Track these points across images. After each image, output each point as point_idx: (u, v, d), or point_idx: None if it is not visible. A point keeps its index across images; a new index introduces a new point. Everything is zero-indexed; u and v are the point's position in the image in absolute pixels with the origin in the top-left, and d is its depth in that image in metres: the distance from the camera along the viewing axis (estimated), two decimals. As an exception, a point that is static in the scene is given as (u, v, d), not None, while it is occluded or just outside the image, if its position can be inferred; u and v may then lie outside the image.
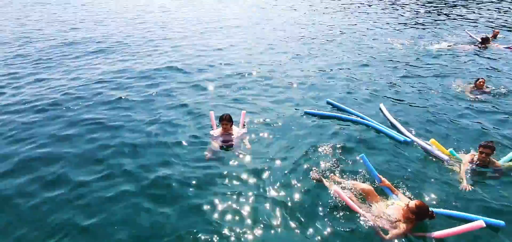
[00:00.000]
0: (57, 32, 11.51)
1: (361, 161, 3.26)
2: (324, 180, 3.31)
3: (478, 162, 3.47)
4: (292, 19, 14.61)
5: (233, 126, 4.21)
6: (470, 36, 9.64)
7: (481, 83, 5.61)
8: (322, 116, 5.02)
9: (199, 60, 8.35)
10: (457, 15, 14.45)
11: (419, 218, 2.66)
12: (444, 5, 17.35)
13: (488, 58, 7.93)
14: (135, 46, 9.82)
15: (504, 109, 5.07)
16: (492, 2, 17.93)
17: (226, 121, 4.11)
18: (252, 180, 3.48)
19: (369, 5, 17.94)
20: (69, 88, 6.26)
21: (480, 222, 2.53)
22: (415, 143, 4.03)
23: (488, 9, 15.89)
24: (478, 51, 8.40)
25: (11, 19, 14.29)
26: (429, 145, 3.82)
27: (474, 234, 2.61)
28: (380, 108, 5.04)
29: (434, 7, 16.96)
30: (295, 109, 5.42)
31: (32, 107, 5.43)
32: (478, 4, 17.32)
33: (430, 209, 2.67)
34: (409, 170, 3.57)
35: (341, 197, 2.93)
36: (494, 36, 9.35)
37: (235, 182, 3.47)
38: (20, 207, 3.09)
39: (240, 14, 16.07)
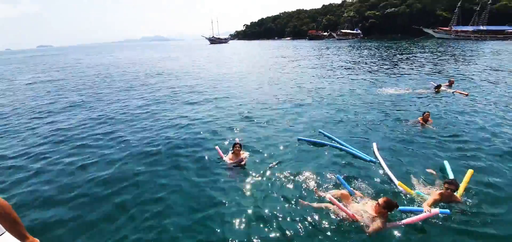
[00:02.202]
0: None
1: (337, 179, 4.31)
2: (318, 191, 4.22)
3: (442, 198, 3.80)
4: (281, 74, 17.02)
5: (241, 151, 5.42)
6: (432, 83, 11.64)
7: (426, 116, 6.98)
8: (312, 143, 6.22)
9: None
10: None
11: (389, 209, 3.41)
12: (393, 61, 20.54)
13: (439, 99, 9.79)
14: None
15: (443, 136, 6.37)
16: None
17: (239, 145, 5.38)
18: (259, 190, 4.48)
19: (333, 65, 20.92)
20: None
21: (436, 210, 3.41)
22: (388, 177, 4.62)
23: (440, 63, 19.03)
24: (432, 95, 10.35)
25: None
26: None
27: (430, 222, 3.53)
28: (373, 147, 5.74)
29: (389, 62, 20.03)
30: (289, 137, 6.66)
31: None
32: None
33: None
34: (371, 178, 4.63)
35: (334, 202, 3.57)
36: (450, 84, 11.32)
37: (245, 192, 4.48)
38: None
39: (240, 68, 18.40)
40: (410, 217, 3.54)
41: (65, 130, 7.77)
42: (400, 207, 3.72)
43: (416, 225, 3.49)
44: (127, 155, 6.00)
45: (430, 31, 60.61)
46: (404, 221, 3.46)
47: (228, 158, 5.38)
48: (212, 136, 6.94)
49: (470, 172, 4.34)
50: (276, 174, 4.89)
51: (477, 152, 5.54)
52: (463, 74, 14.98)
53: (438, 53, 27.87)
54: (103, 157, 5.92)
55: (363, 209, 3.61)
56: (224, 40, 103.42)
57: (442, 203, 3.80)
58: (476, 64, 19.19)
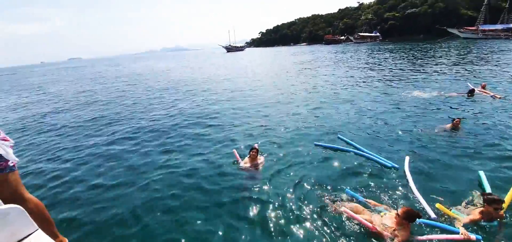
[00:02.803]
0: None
1: (346, 193, 4.06)
2: (332, 204, 3.97)
3: (483, 217, 3.35)
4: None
5: (257, 155, 5.46)
6: (469, 85, 10.81)
7: (457, 122, 6.56)
8: (330, 148, 6.09)
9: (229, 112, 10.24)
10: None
11: (410, 220, 3.12)
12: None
13: (472, 103, 9.13)
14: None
15: (477, 145, 5.85)
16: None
17: (255, 150, 5.41)
18: (273, 196, 4.44)
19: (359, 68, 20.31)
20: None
21: (473, 236, 2.98)
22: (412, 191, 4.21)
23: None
24: (465, 99, 9.65)
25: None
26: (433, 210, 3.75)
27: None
28: (404, 160, 5.16)
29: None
30: (307, 142, 6.58)
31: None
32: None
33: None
34: (393, 187, 4.40)
35: (353, 216, 3.40)
36: (483, 87, 10.63)
37: (259, 198, 4.45)
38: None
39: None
40: (440, 234, 3.25)
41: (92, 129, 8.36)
42: (430, 221, 3.47)
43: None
44: (146, 154, 6.40)
45: (455, 31, 57.39)
46: (433, 237, 3.15)
47: (244, 162, 5.42)
48: (230, 140, 7.03)
49: None
50: (291, 181, 4.82)
51: None
52: (495, 76, 13.97)
53: (466, 54, 26.30)
54: (122, 160, 6.26)
55: (381, 220, 3.34)
56: (241, 48, 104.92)
57: (483, 222, 3.38)
58: (509, 64, 17.86)
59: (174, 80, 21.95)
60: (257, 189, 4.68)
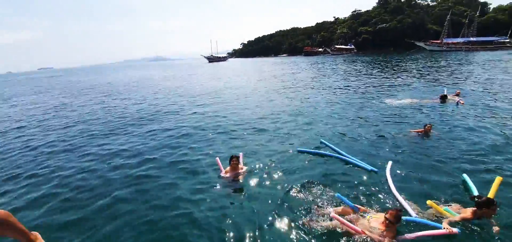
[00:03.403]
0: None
1: (338, 198, 3.98)
2: (319, 209, 3.94)
3: (475, 216, 3.43)
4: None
5: (239, 165, 5.32)
6: (447, 94, 11.37)
7: (428, 128, 6.88)
8: (313, 154, 6.11)
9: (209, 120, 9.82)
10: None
11: (397, 222, 3.24)
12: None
13: (442, 110, 9.74)
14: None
15: (441, 148, 6.17)
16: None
17: (236, 159, 5.26)
18: (257, 205, 4.29)
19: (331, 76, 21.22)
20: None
21: (455, 230, 3.16)
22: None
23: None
24: (438, 105, 10.31)
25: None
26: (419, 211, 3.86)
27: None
28: (386, 165, 5.20)
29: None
30: (290, 149, 6.54)
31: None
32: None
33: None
34: (376, 190, 4.47)
35: (340, 220, 3.36)
36: (457, 95, 11.38)
37: (242, 208, 4.29)
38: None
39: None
40: (424, 230, 3.32)
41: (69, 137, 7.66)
42: (415, 218, 3.55)
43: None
44: (124, 163, 6.03)
45: (422, 44, 62.21)
46: (417, 234, 3.24)
47: (225, 172, 5.26)
48: (212, 149, 6.83)
49: (498, 179, 4.01)
50: (275, 187, 4.74)
51: (492, 163, 5.34)
52: (457, 83, 15.21)
53: (432, 65, 28.47)
54: (99, 166, 5.83)
55: (370, 225, 3.41)
56: (223, 59, 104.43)
57: (474, 221, 3.46)
58: (471, 73, 19.57)
59: (153, 89, 21.25)
60: (239, 197, 4.54)
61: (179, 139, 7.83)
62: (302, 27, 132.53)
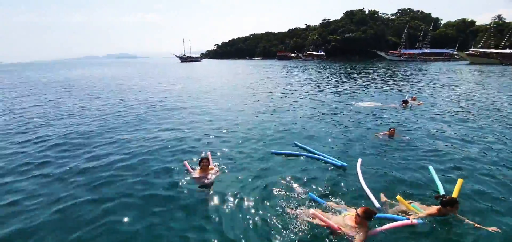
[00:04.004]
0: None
1: (310, 197, 4.08)
2: (291, 210, 3.88)
3: (440, 213, 3.65)
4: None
5: (209, 166, 5.08)
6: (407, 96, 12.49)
7: (392, 131, 7.31)
8: (286, 155, 6.09)
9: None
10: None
11: (368, 219, 3.34)
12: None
13: (404, 113, 10.58)
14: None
15: (405, 150, 6.58)
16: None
17: (206, 160, 5.03)
18: (228, 207, 4.12)
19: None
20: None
21: (415, 221, 3.42)
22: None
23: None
24: (399, 109, 11.08)
25: None
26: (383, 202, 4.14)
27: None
28: (357, 163, 5.41)
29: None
30: (263, 150, 6.47)
31: None
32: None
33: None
34: (347, 186, 4.61)
35: (317, 216, 3.42)
36: (413, 100, 12.40)
37: (213, 211, 4.08)
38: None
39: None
40: (391, 223, 3.48)
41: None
42: (385, 215, 3.73)
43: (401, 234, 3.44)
44: (86, 168, 5.35)
45: (383, 54, 67.75)
46: (384, 227, 3.44)
47: (195, 174, 4.98)
48: (181, 151, 6.42)
49: (460, 181, 4.26)
50: (248, 189, 4.59)
51: (450, 161, 5.80)
52: (413, 88, 16.72)
53: (392, 73, 31.05)
54: (59, 172, 5.10)
55: (344, 221, 3.48)
56: (196, 59, 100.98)
57: (438, 217, 3.68)
58: (426, 81, 21.72)
59: (116, 89, 19.71)
60: (211, 200, 4.30)
61: (144, 143, 7.21)
62: (276, 32, 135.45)
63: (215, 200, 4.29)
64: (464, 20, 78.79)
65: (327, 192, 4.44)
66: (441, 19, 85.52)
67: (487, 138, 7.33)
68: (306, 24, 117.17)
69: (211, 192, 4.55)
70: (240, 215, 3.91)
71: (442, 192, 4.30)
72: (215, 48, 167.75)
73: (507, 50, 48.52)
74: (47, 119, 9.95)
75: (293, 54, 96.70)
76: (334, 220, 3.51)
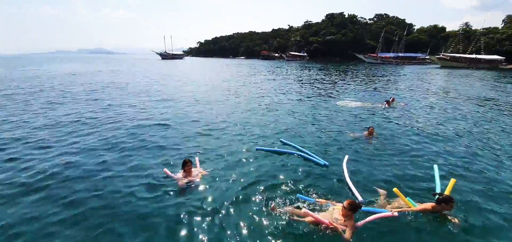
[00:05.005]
0: None
1: (298, 199, 4.08)
2: (276, 208, 3.86)
3: (434, 210, 3.76)
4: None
5: (192, 168, 4.86)
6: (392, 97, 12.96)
7: (371, 130, 7.55)
8: (271, 152, 6.07)
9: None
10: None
11: (354, 210, 3.46)
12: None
13: (389, 112, 11.01)
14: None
15: (385, 148, 6.81)
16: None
17: (189, 163, 4.81)
18: (213, 207, 4.02)
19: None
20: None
21: (395, 213, 3.52)
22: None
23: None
24: (382, 109, 11.46)
25: None
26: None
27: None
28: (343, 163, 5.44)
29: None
30: (247, 147, 6.38)
31: None
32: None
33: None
34: (332, 182, 4.72)
35: (309, 214, 3.45)
36: (393, 100, 12.89)
37: (199, 210, 3.96)
38: None
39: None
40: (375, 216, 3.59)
41: None
42: (367, 208, 3.83)
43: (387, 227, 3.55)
44: (58, 172, 4.89)
45: (361, 56, 70.55)
46: (368, 219, 3.55)
47: (179, 177, 4.74)
48: (163, 153, 6.14)
49: (453, 180, 4.37)
50: (234, 189, 4.51)
51: (428, 157, 6.12)
52: (389, 89, 17.52)
53: (371, 75, 32.39)
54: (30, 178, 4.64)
55: (333, 216, 3.55)
56: (179, 56, 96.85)
57: (430, 214, 3.81)
58: (399, 82, 22.85)
59: (85, 88, 18.52)
60: (197, 204, 4.12)
61: (122, 146, 6.73)
62: (259, 32, 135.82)
63: (201, 203, 4.13)
64: (435, 27, 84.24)
65: (312, 189, 4.48)
66: (415, 25, 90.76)
67: (463, 133, 7.97)
68: (289, 25, 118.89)
69: (197, 195, 4.37)
70: (227, 218, 3.81)
71: (438, 190, 4.39)
72: (198, 46, 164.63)
73: (474, 55, 52.90)
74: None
75: (276, 54, 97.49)
76: (324, 216, 3.57)
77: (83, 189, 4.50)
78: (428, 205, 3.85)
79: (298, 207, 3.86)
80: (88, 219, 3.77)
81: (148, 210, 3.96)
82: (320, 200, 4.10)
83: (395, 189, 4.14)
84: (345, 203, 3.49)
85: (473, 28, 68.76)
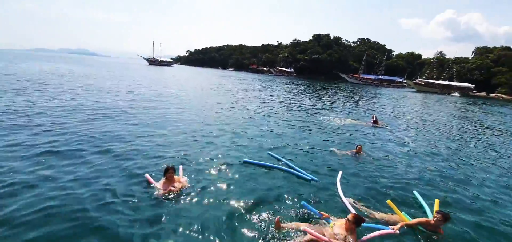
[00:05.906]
0: None
1: (303, 207, 4.05)
2: (280, 223, 3.70)
3: (429, 226, 3.88)
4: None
5: (175, 176, 4.71)
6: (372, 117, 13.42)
7: (359, 148, 7.75)
8: (259, 165, 5.99)
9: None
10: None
11: (358, 224, 3.45)
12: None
13: (373, 132, 11.51)
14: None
15: (371, 164, 7.10)
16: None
17: (172, 170, 4.64)
18: (197, 220, 3.87)
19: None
20: None
21: (397, 231, 3.66)
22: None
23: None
24: (370, 128, 11.95)
25: None
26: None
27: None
28: (337, 179, 5.53)
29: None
30: (235, 160, 6.31)
31: None
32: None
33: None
34: (320, 199, 4.68)
35: (309, 232, 3.35)
36: (375, 119, 13.37)
37: (180, 221, 3.80)
38: None
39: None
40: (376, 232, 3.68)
41: None
42: (370, 224, 3.90)
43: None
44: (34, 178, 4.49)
45: (345, 76, 74.16)
46: (370, 235, 3.60)
47: (159, 185, 4.54)
48: (146, 161, 5.89)
49: (437, 201, 4.59)
50: (219, 201, 4.37)
51: (411, 177, 6.44)
52: (377, 108, 18.54)
53: (354, 94, 33.83)
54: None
55: (334, 231, 3.49)
56: (167, 63, 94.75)
57: (422, 228, 3.97)
58: (379, 102, 24.46)
59: (63, 91, 17.43)
60: (178, 213, 3.96)
61: (103, 153, 6.43)
62: (249, 46, 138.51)
63: (182, 213, 3.96)
64: (412, 53, 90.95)
65: (298, 205, 4.40)
66: (394, 51, 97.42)
67: (440, 152, 8.53)
68: (278, 41, 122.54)
69: (178, 205, 4.19)
70: (210, 230, 3.67)
71: (429, 214, 4.39)
72: (187, 55, 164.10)
73: (446, 82, 57.91)
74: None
75: (265, 69, 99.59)
76: (323, 232, 3.52)
77: (52, 196, 4.13)
78: (423, 220, 4.02)
79: (302, 218, 3.90)
80: (54, 228, 3.47)
81: (122, 219, 3.74)
82: (323, 213, 3.97)
83: (389, 201, 4.30)
84: (350, 216, 3.48)
85: (446, 57, 75.35)
